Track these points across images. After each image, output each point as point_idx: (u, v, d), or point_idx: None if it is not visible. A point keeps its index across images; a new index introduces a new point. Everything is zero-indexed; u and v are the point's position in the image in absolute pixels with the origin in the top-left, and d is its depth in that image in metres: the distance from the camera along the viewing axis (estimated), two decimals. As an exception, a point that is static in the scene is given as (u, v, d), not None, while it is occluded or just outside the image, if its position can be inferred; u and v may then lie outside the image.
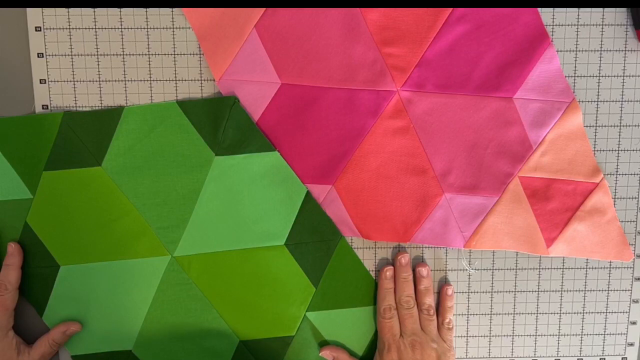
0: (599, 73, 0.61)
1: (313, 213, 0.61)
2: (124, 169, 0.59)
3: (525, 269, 0.64)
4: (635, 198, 0.63)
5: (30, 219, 0.60)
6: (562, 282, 0.64)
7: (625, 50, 0.60)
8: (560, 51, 0.60)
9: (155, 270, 0.61)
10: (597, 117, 0.61)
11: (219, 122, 0.59)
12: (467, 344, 0.65)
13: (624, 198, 0.63)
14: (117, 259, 0.61)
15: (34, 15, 0.58)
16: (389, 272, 0.62)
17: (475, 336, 0.65)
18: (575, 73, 0.60)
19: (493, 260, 0.64)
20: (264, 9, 0.58)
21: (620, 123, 0.61)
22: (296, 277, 0.62)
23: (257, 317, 0.62)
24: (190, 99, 0.60)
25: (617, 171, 0.62)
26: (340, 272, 0.62)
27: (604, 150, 0.62)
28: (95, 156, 0.59)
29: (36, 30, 0.59)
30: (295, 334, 0.63)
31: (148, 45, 0.60)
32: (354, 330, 0.63)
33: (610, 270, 0.64)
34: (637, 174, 0.62)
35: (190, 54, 0.60)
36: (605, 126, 0.61)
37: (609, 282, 0.64)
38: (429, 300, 0.62)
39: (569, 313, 0.65)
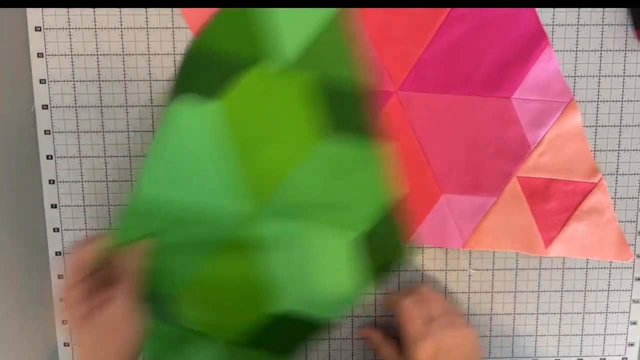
0: (599, 73, 0.60)
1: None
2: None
3: (525, 269, 0.64)
4: (635, 198, 0.63)
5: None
6: (562, 282, 0.64)
7: (625, 50, 0.60)
8: (560, 51, 0.60)
9: (234, 224, 0.59)
10: (597, 117, 0.61)
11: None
12: (467, 344, 0.65)
13: (624, 198, 0.62)
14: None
15: (34, 15, 0.59)
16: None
17: (475, 336, 0.65)
18: (575, 73, 0.60)
19: (493, 260, 0.64)
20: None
21: (620, 123, 0.61)
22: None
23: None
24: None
25: (617, 171, 0.62)
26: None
27: (604, 150, 0.62)
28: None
29: (36, 30, 0.59)
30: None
31: (148, 45, 0.60)
32: None
33: (610, 270, 0.64)
34: (637, 174, 0.62)
35: (190, 54, 0.60)
36: (605, 126, 0.61)
37: (609, 282, 0.64)
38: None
39: (569, 313, 0.65)
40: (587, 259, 0.64)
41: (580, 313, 0.65)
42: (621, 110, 0.61)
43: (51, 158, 0.61)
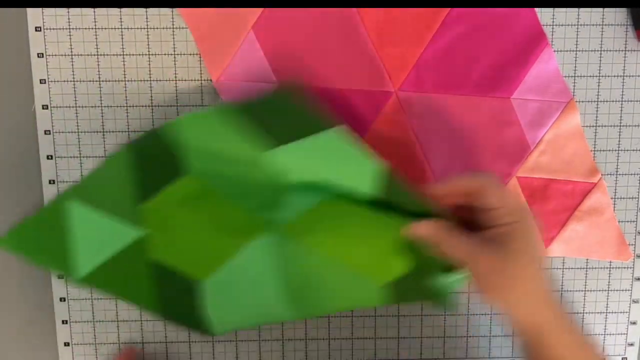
0: (599, 73, 0.60)
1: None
2: (208, 171, 0.54)
3: (525, 269, 0.64)
4: (635, 198, 0.63)
5: (154, 254, 0.55)
6: (562, 282, 0.64)
7: (625, 50, 0.60)
8: (560, 51, 0.60)
9: (266, 251, 0.55)
10: (597, 117, 0.61)
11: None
12: (467, 344, 0.65)
13: (624, 198, 0.62)
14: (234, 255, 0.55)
15: (34, 15, 0.59)
16: None
17: (476, 336, 0.65)
18: (575, 73, 0.60)
19: (493, 260, 0.64)
20: (261, 10, 0.58)
21: (620, 123, 0.61)
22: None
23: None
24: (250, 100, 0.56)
25: (617, 171, 0.62)
26: None
27: (604, 150, 0.62)
28: (180, 168, 0.54)
29: (36, 30, 0.59)
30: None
31: (148, 45, 0.60)
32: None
33: (610, 270, 0.64)
34: (637, 174, 0.62)
35: (190, 54, 0.60)
36: (605, 126, 0.61)
37: (609, 282, 0.64)
38: None
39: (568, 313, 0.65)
40: (587, 259, 0.64)
41: (580, 313, 0.65)
42: (621, 110, 0.61)
43: (51, 158, 0.61)
